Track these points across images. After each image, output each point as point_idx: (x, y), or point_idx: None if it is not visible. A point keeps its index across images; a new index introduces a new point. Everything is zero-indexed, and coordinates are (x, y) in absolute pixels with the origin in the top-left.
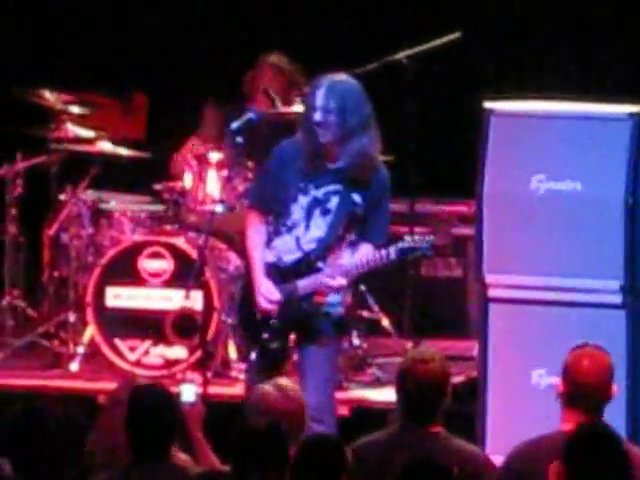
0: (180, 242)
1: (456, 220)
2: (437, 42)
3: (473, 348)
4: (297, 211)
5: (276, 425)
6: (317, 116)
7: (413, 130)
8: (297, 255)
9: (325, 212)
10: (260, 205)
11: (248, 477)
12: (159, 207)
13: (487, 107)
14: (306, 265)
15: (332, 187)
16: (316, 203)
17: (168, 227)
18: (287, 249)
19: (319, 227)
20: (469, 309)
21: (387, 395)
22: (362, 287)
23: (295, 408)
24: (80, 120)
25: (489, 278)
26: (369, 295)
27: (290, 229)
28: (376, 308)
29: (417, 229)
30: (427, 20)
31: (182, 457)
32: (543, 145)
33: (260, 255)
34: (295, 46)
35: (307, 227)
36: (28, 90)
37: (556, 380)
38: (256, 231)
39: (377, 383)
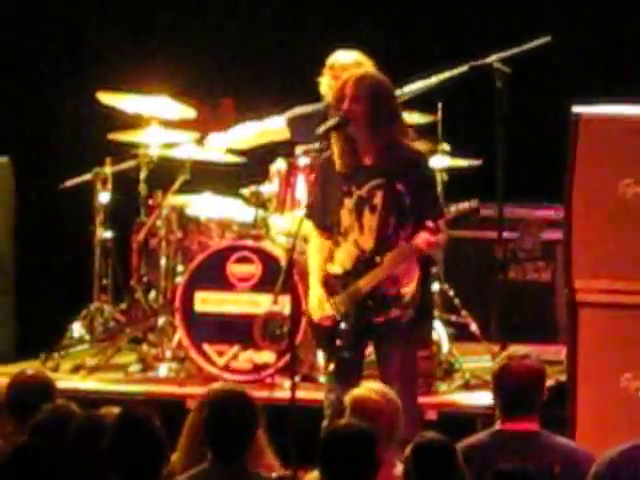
0: (268, 246)
1: (545, 224)
2: (527, 46)
3: (562, 352)
4: (346, 215)
5: (365, 427)
6: (345, 105)
7: (503, 134)
8: (356, 256)
9: (373, 209)
10: (315, 219)
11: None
12: (247, 212)
13: (575, 112)
14: (364, 263)
15: (374, 182)
16: (362, 202)
17: (256, 232)
18: (348, 256)
19: (371, 225)
20: (557, 313)
21: (475, 399)
22: (450, 291)
23: (391, 410)
24: (169, 125)
25: (578, 283)
26: (457, 299)
27: (345, 236)
28: (464, 312)
29: (505, 234)
30: (518, 23)
31: (271, 457)
32: (631, 149)
33: (317, 267)
34: (383, 48)
35: (361, 227)
36: (118, 95)
37: None
38: (314, 247)
39: (465, 387)
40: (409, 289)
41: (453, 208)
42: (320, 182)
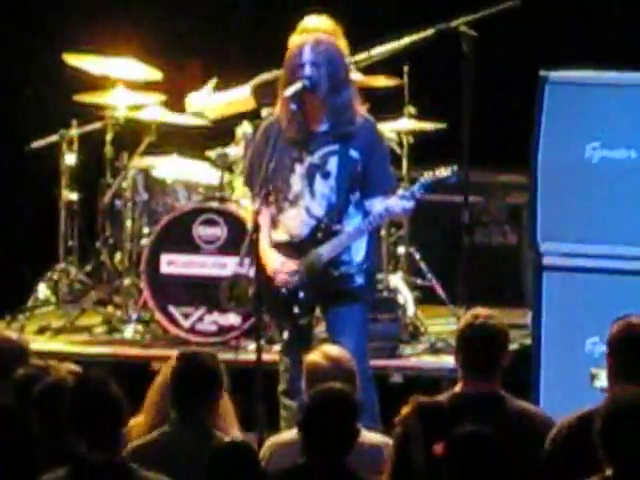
0: (234, 209)
1: (511, 188)
2: (495, 9)
3: (527, 316)
4: (297, 182)
5: (349, 393)
6: (307, 70)
7: (469, 98)
8: (311, 224)
9: (326, 175)
10: (255, 187)
11: (315, 447)
12: (213, 174)
13: (542, 75)
14: (322, 232)
15: (327, 148)
16: (315, 168)
17: (222, 194)
18: (298, 222)
19: (324, 192)
20: (523, 277)
21: (440, 362)
22: (416, 255)
23: (344, 375)
24: (136, 87)
25: (543, 246)
26: (423, 263)
27: (294, 202)
28: (430, 276)
29: (471, 198)
30: None
31: (233, 421)
32: (598, 113)
33: (266, 236)
34: (346, 11)
35: (312, 194)
36: (85, 56)
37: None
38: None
39: (431, 350)
40: (359, 252)
41: (429, 174)
42: (260, 148)
